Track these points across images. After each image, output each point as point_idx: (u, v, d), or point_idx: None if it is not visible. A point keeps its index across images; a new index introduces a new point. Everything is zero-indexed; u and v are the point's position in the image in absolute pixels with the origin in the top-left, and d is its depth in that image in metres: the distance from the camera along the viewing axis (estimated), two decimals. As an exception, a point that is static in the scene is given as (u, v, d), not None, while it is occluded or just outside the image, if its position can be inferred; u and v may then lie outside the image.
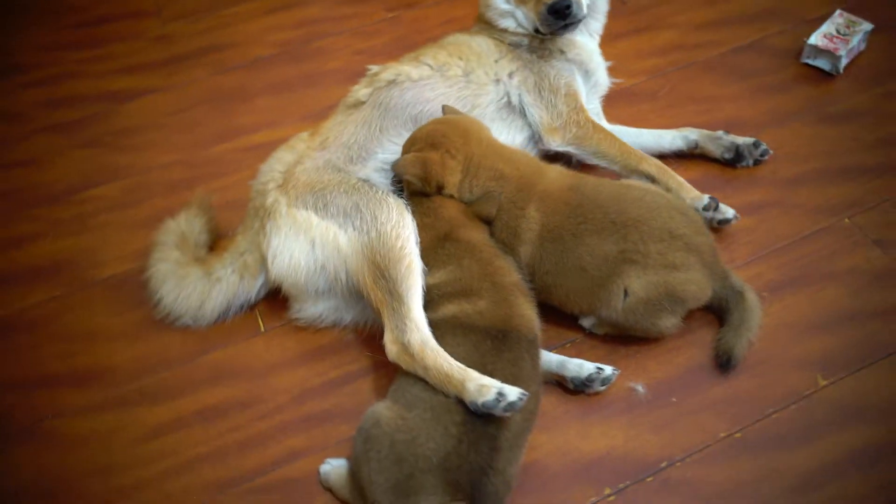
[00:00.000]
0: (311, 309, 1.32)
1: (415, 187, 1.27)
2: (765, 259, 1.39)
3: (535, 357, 1.16)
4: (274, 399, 1.26)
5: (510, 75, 1.50)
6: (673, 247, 1.19)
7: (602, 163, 1.49)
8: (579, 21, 1.45)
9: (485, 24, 1.60)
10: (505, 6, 1.54)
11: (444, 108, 1.37)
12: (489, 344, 1.12)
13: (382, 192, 1.26)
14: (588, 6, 1.51)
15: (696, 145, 1.54)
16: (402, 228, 1.20)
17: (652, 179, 1.46)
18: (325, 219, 1.24)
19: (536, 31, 1.51)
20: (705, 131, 1.56)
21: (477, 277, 1.18)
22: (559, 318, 1.30)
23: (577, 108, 1.50)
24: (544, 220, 1.23)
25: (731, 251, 1.41)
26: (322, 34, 1.97)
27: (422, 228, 1.24)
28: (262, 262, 1.30)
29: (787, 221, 1.45)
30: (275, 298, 1.37)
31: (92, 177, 1.66)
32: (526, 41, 1.54)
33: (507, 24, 1.53)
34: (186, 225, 1.40)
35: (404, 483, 1.04)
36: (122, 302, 1.42)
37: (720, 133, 1.55)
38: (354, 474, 1.09)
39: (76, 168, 1.69)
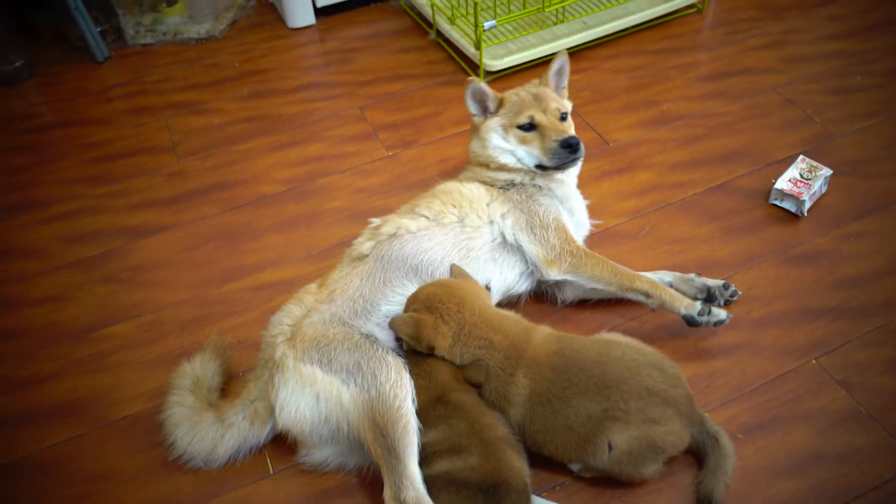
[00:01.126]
0: (318, 454, 1.42)
1: (410, 345, 1.39)
2: (738, 401, 1.51)
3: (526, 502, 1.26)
4: (280, 543, 1.35)
5: (503, 216, 1.66)
6: (652, 402, 1.31)
7: (598, 286, 1.64)
8: (581, 158, 1.67)
9: (475, 169, 1.77)
10: (506, 145, 1.73)
11: (453, 268, 1.51)
12: (481, 498, 1.23)
13: (383, 349, 1.38)
14: None
15: (671, 286, 1.69)
16: (400, 388, 1.31)
17: (646, 295, 1.60)
18: (329, 374, 1.36)
19: (538, 166, 1.71)
20: (679, 274, 1.71)
21: (466, 435, 1.29)
22: (549, 462, 1.41)
23: (568, 240, 1.65)
24: (532, 385, 1.36)
25: (708, 394, 1.53)
26: (325, 172, 2.14)
27: (417, 390, 1.35)
28: (272, 410, 1.40)
29: (758, 363, 1.58)
30: (284, 440, 1.47)
31: (109, 314, 1.79)
32: (519, 179, 1.71)
33: (507, 159, 1.72)
34: (201, 369, 1.52)
35: None
36: (136, 442, 1.52)
37: (692, 276, 1.70)
38: None
39: (94, 304, 1.81)
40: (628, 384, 1.32)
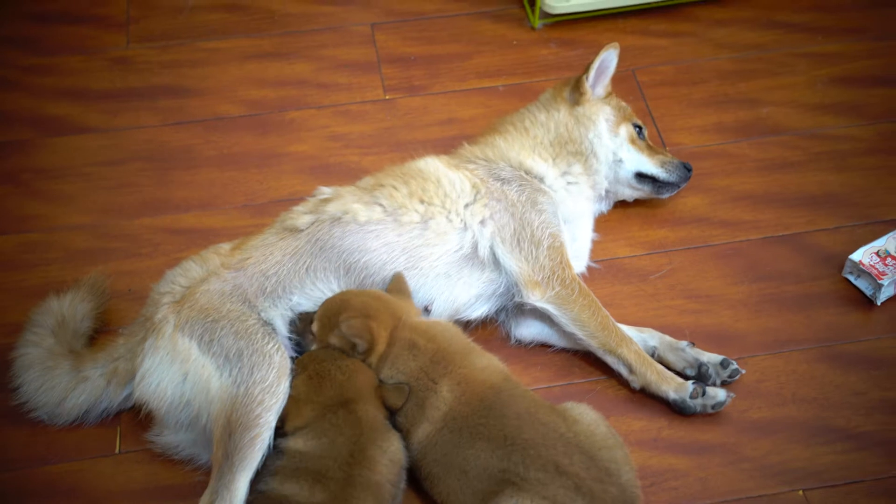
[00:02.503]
0: (171, 437, 1.83)
1: (338, 346, 1.78)
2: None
3: None
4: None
5: (482, 222, 2.00)
6: (557, 482, 1.64)
7: (578, 333, 1.96)
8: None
9: (490, 148, 2.09)
10: (611, 139, 2.18)
11: (395, 278, 1.88)
12: None
13: (274, 345, 1.75)
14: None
15: (654, 352, 2.00)
16: (270, 395, 1.69)
17: (630, 368, 1.93)
18: (206, 355, 1.74)
19: (639, 175, 2.20)
20: (667, 339, 2.01)
21: (339, 462, 1.66)
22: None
23: (563, 264, 1.98)
24: (454, 404, 1.73)
25: (650, 495, 1.84)
26: (300, 103, 2.52)
27: (331, 384, 1.73)
28: (131, 377, 1.82)
29: (729, 475, 1.88)
30: (140, 417, 1.89)
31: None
32: (551, 176, 2.06)
33: (603, 153, 2.17)
34: (69, 309, 1.93)
35: None
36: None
37: (684, 344, 2.00)
38: None
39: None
40: (536, 451, 1.66)
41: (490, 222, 1.99)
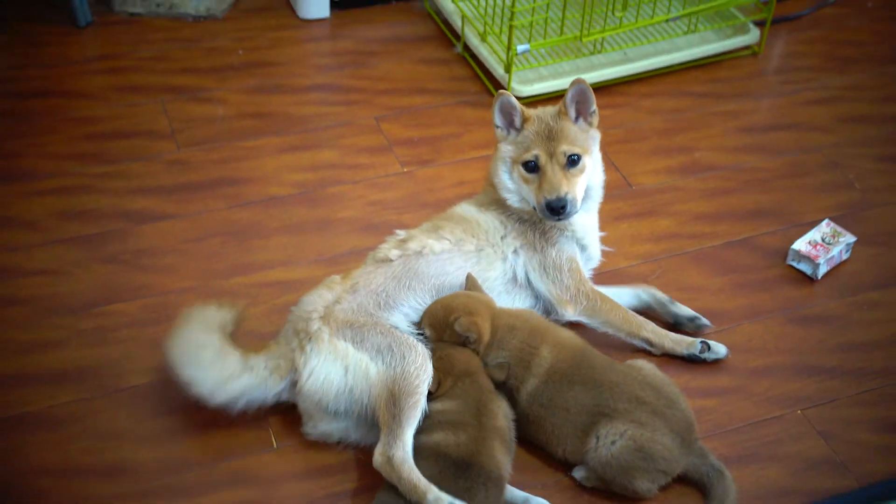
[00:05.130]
0: (323, 426, 2.27)
1: (451, 340, 2.28)
2: (720, 437, 2.38)
3: (494, 491, 2.10)
4: (284, 504, 2.20)
5: (515, 252, 2.54)
6: (639, 409, 2.18)
7: (609, 331, 2.52)
8: (573, 215, 2.49)
9: (493, 194, 2.65)
10: (509, 183, 2.56)
11: (469, 278, 2.40)
12: (452, 470, 2.08)
13: (412, 338, 2.25)
14: (588, 188, 2.56)
15: (648, 306, 2.61)
16: (422, 372, 2.18)
17: (650, 343, 2.49)
18: (360, 351, 2.22)
19: (533, 207, 2.53)
20: (658, 295, 2.59)
21: (471, 414, 2.16)
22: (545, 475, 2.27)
23: (582, 281, 2.54)
24: (553, 361, 2.25)
25: (692, 426, 2.40)
26: (337, 181, 3.04)
27: (456, 362, 2.22)
28: (291, 372, 2.23)
29: (746, 407, 2.46)
30: (286, 417, 2.32)
31: (112, 293, 2.64)
32: (527, 217, 2.59)
33: (512, 200, 2.56)
34: (219, 314, 2.33)
35: None
36: (144, 410, 2.36)
37: (667, 299, 2.60)
38: None
39: (95, 282, 2.67)
40: (619, 388, 2.20)
41: (521, 252, 2.54)
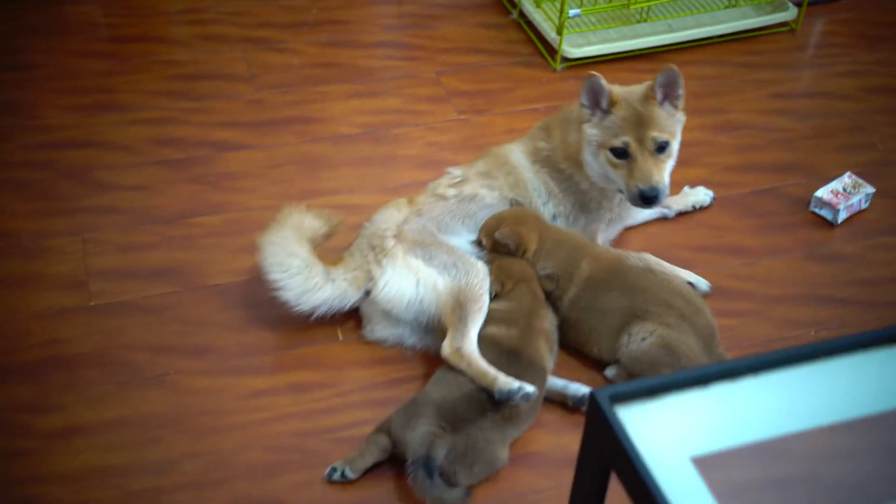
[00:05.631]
0: (381, 331, 2.54)
1: (503, 250, 2.54)
2: (737, 350, 2.63)
3: (538, 379, 2.36)
4: (348, 385, 2.46)
5: (554, 217, 2.78)
6: (668, 313, 2.44)
7: None
8: (663, 202, 2.60)
9: (546, 151, 2.88)
10: (595, 165, 2.60)
11: (512, 202, 2.67)
12: (504, 357, 2.35)
13: (473, 258, 2.53)
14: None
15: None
16: (484, 284, 2.45)
17: None
18: (430, 267, 2.49)
19: (619, 190, 2.61)
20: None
21: (523, 315, 2.42)
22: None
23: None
24: (591, 272, 2.51)
25: (714, 340, 2.65)
26: (399, 124, 3.32)
27: (513, 269, 2.49)
28: (366, 283, 2.51)
29: (763, 327, 2.70)
30: (349, 316, 2.60)
31: (197, 208, 2.94)
32: (584, 185, 2.75)
33: (595, 176, 2.64)
34: (313, 225, 2.59)
35: (411, 409, 2.22)
36: (226, 303, 2.65)
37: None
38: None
39: (183, 198, 2.97)
40: (652, 293, 2.46)
41: (558, 219, 2.77)
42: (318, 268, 2.50)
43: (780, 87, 3.63)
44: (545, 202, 2.77)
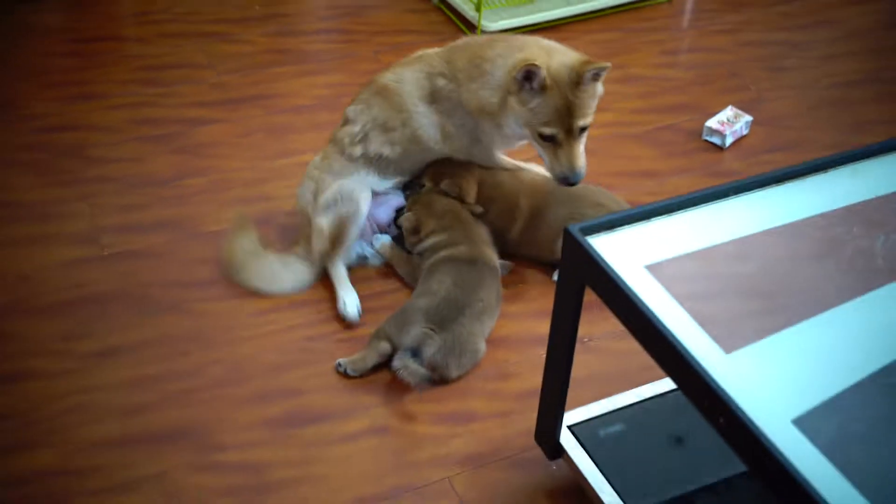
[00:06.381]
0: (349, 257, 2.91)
1: (443, 192, 2.90)
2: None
3: (495, 275, 2.77)
4: (339, 298, 2.85)
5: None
6: (601, 211, 2.87)
7: None
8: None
9: (456, 93, 3.18)
10: (517, 129, 2.61)
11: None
12: (465, 267, 2.74)
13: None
14: None
15: None
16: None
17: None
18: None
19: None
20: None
21: (462, 235, 2.81)
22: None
23: None
24: (530, 204, 2.91)
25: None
26: (348, 94, 3.69)
27: (435, 204, 2.87)
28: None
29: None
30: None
31: (184, 172, 3.28)
32: (485, 127, 2.85)
33: (508, 130, 2.66)
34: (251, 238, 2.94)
35: (402, 317, 2.61)
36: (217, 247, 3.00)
37: None
38: (378, 330, 2.65)
39: (170, 166, 3.31)
40: (587, 199, 2.89)
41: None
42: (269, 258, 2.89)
43: (668, 45, 4.15)
44: (438, 143, 2.79)
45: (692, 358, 1.69)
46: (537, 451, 2.36)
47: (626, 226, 1.98)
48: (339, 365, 2.61)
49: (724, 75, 3.96)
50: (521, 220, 2.93)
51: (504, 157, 3.00)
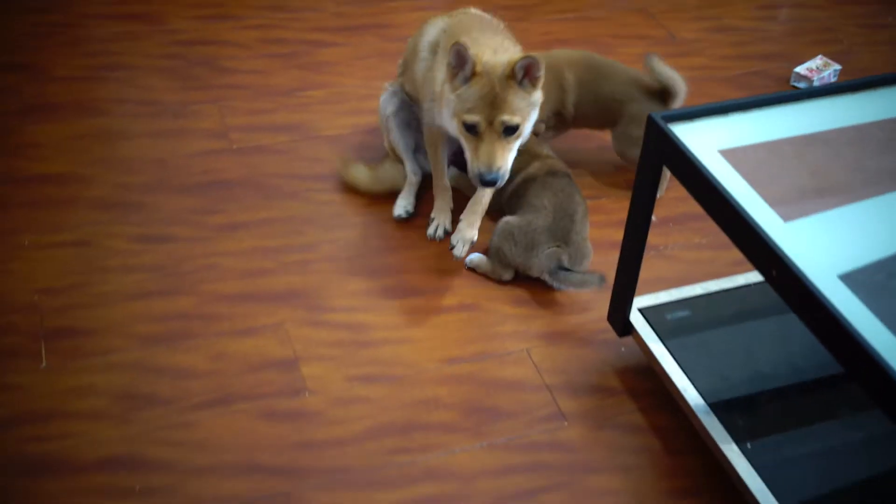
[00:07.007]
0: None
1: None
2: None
3: (572, 180, 2.96)
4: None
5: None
6: (637, 86, 3.07)
7: None
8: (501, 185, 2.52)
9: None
10: (451, 127, 2.55)
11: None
12: (550, 179, 2.88)
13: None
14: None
15: None
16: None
17: None
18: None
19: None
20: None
21: (528, 158, 2.99)
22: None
23: None
24: (577, 75, 3.10)
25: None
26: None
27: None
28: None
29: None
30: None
31: (305, 85, 3.57)
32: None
33: (451, 131, 2.58)
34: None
35: (530, 241, 2.83)
36: (338, 147, 3.27)
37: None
38: (496, 254, 2.86)
39: (293, 79, 3.60)
40: (625, 74, 3.13)
41: None
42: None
43: (764, 0, 4.28)
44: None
45: (753, 222, 1.89)
46: (609, 335, 2.59)
47: (705, 118, 2.18)
48: (470, 262, 2.87)
49: (818, 29, 4.08)
50: (571, 91, 3.10)
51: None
